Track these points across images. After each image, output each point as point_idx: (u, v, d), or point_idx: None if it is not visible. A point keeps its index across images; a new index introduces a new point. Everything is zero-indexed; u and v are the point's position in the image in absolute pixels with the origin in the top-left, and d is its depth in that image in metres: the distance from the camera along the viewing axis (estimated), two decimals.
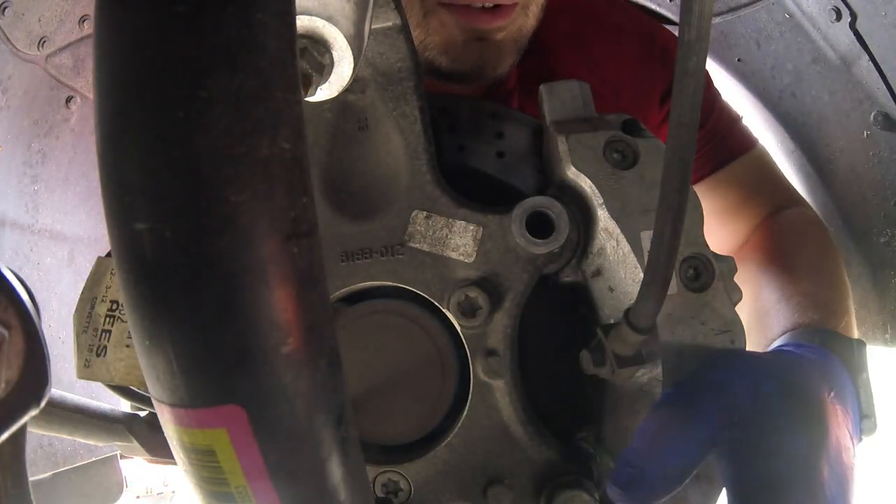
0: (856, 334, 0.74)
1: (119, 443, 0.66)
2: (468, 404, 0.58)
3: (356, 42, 0.45)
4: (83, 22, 1.08)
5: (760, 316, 0.78)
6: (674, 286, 0.53)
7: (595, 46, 1.00)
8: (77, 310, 0.58)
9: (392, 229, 0.58)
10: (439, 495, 0.59)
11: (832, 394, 0.54)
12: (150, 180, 0.29)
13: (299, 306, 0.31)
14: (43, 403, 0.38)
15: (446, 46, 0.83)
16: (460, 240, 0.57)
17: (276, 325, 0.30)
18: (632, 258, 0.54)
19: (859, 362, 0.63)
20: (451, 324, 0.57)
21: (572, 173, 0.55)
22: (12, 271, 0.39)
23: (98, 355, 0.58)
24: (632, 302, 0.47)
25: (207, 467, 0.32)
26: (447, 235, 0.57)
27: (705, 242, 0.54)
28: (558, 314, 0.62)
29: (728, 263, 0.59)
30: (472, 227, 0.57)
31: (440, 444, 0.58)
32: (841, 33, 0.93)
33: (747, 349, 0.55)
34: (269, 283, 0.30)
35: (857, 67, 0.95)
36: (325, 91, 0.47)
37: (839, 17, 0.92)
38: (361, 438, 0.38)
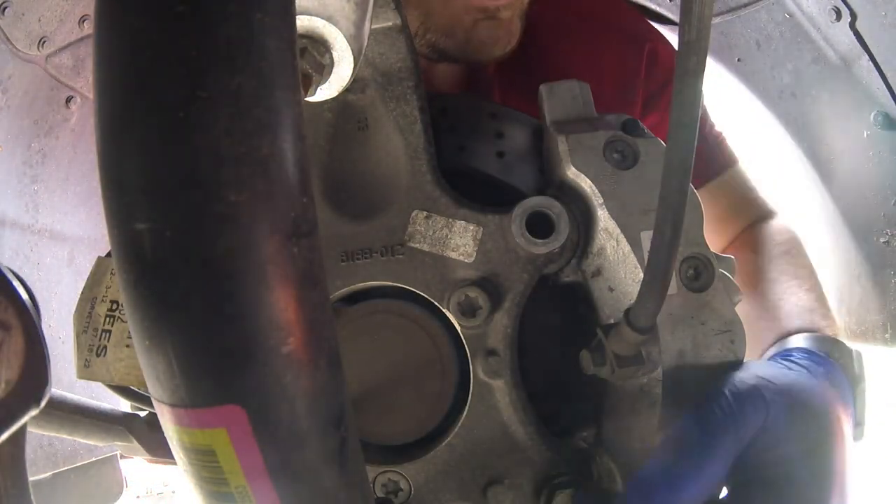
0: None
1: (119, 443, 0.66)
2: (468, 404, 0.57)
3: (356, 42, 0.45)
4: (83, 22, 1.08)
5: (751, 321, 0.79)
6: (674, 286, 0.53)
7: (577, 39, 0.99)
8: (77, 310, 0.58)
9: (392, 229, 0.58)
10: (439, 495, 0.59)
11: (842, 407, 0.55)
12: (150, 180, 0.29)
13: (299, 306, 0.31)
14: (43, 403, 0.38)
15: (451, 28, 0.82)
16: (460, 240, 0.57)
17: (276, 325, 0.30)
18: (632, 258, 0.54)
19: (860, 372, 0.64)
20: (451, 324, 0.57)
21: (572, 173, 0.55)
22: (12, 271, 0.39)
23: (98, 355, 0.58)
24: (632, 302, 0.47)
25: (207, 467, 0.32)
26: (447, 235, 0.57)
27: (705, 242, 0.54)
28: (558, 314, 0.62)
29: (728, 263, 0.59)
30: (472, 227, 0.57)
31: (440, 444, 0.58)
32: (841, 33, 0.93)
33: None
34: (269, 284, 0.30)
35: (857, 67, 0.95)
36: (325, 91, 0.47)
37: (839, 17, 0.92)
38: (361, 438, 0.38)
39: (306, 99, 0.45)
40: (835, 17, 0.92)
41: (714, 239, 1.04)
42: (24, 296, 0.38)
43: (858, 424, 0.61)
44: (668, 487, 0.49)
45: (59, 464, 1.16)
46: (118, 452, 1.29)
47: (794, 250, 0.93)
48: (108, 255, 0.58)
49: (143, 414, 0.66)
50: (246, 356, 0.30)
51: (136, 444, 0.65)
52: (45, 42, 1.05)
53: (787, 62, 1.06)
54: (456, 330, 0.57)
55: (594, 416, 0.60)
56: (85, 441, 0.65)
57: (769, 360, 0.63)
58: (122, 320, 0.58)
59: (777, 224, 1.02)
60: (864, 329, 1.09)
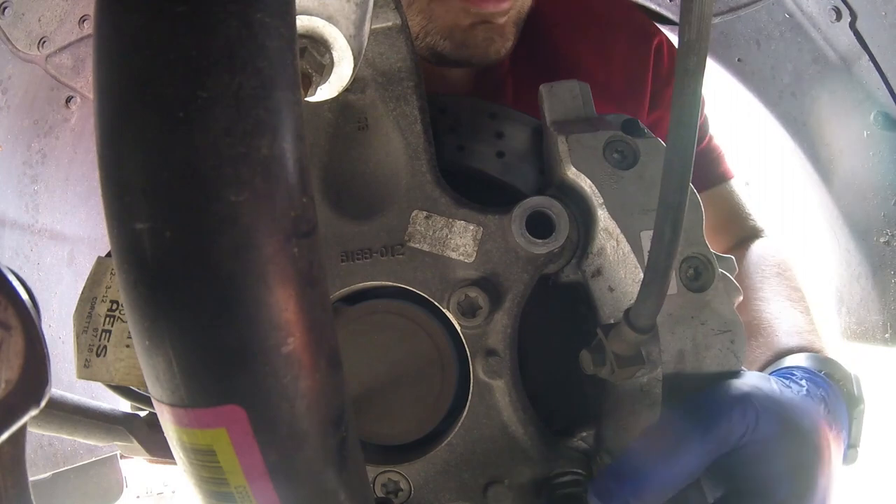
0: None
1: (119, 443, 0.66)
2: (468, 404, 0.57)
3: (356, 42, 0.45)
4: (83, 22, 1.08)
5: (748, 336, 0.79)
6: (674, 286, 0.53)
7: (587, 36, 1.01)
8: (77, 310, 0.58)
9: (392, 229, 0.58)
10: (439, 495, 0.59)
11: (832, 431, 0.55)
12: (150, 180, 0.29)
13: (299, 306, 0.31)
14: (43, 403, 0.38)
15: (450, 31, 0.85)
16: (460, 240, 0.57)
17: (276, 325, 0.30)
18: (632, 258, 0.54)
19: (859, 395, 0.64)
20: (451, 324, 0.57)
21: (572, 173, 0.55)
22: (12, 271, 0.39)
23: (98, 355, 0.58)
24: (632, 302, 0.47)
25: (207, 467, 0.32)
26: (447, 235, 0.57)
27: (705, 242, 0.54)
28: (558, 314, 0.62)
29: (728, 263, 0.59)
30: (472, 227, 0.57)
31: (440, 444, 0.58)
32: (841, 33, 0.93)
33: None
34: (269, 284, 0.30)
35: (857, 67, 0.95)
36: (325, 91, 0.47)
37: (839, 17, 0.92)
38: (361, 438, 0.38)
39: (306, 99, 0.45)
40: (835, 17, 0.92)
41: None
42: (24, 296, 0.38)
43: (852, 447, 0.62)
44: (634, 478, 0.50)
45: (59, 464, 1.16)
46: (118, 452, 1.29)
47: (788, 272, 0.94)
48: (108, 255, 0.58)
49: (143, 414, 0.66)
50: (246, 356, 0.30)
51: (136, 444, 0.65)
52: (45, 42, 1.05)
53: (787, 62, 1.06)
54: (456, 330, 0.57)
55: (594, 416, 0.60)
56: (85, 441, 0.65)
57: (770, 374, 0.63)
58: (122, 320, 0.58)
59: (769, 242, 1.04)
60: (864, 329, 1.09)
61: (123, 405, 0.65)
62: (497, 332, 0.56)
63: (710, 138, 1.10)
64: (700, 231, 0.54)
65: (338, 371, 0.34)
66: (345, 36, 0.44)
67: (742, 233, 1.07)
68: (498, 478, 0.58)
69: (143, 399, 0.62)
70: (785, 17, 1.01)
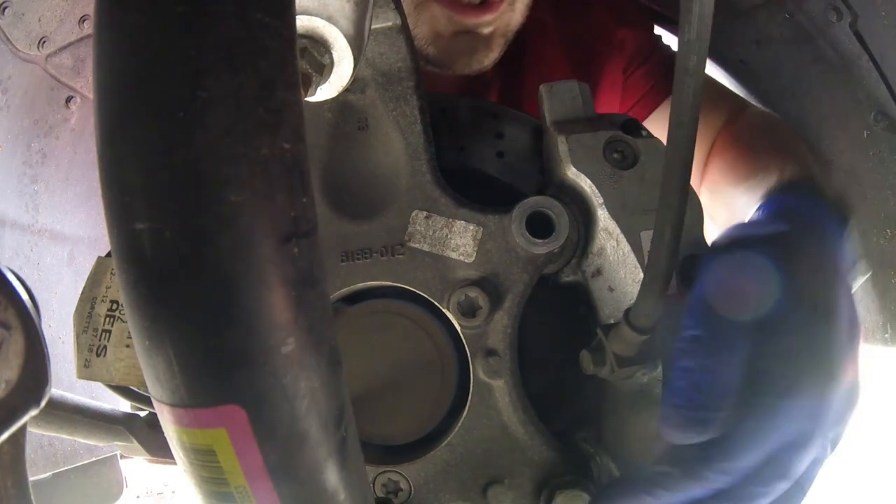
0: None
1: (119, 443, 0.66)
2: (468, 404, 0.57)
3: (356, 42, 0.45)
4: (83, 22, 1.08)
5: (741, 194, 0.79)
6: (674, 286, 0.53)
7: (555, 39, 1.03)
8: (77, 310, 0.58)
9: (392, 229, 0.58)
10: (439, 495, 0.59)
11: (809, 258, 0.53)
12: (150, 180, 0.29)
13: (299, 306, 0.31)
14: (43, 403, 0.38)
15: (434, 38, 0.86)
16: (460, 240, 0.57)
17: (276, 325, 0.30)
18: (632, 258, 0.54)
19: (846, 208, 0.63)
20: (451, 324, 0.57)
21: (572, 173, 0.55)
22: (12, 271, 0.39)
23: (98, 355, 0.58)
24: (632, 302, 0.47)
25: (207, 467, 0.32)
26: (447, 235, 0.57)
27: (706, 242, 0.54)
28: (558, 314, 0.62)
29: None
30: (472, 227, 0.57)
31: (440, 444, 0.58)
32: (841, 33, 0.93)
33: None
34: (269, 284, 0.30)
35: (857, 67, 0.95)
36: (325, 91, 0.47)
37: (839, 17, 0.92)
38: (361, 438, 0.38)
39: (306, 99, 0.45)
40: (835, 17, 0.92)
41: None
42: (24, 296, 0.38)
43: (855, 261, 0.61)
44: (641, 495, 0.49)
45: (59, 464, 1.16)
46: (118, 452, 1.29)
47: (781, 127, 0.94)
48: (108, 255, 0.59)
49: (143, 414, 0.66)
50: (246, 356, 0.30)
51: (136, 444, 0.65)
52: (45, 42, 1.05)
53: (787, 62, 1.06)
54: (456, 330, 0.57)
55: (594, 416, 0.60)
56: (85, 441, 0.65)
57: (758, 211, 0.62)
58: (122, 320, 0.58)
59: (755, 110, 1.03)
60: (864, 329, 1.09)
61: (123, 405, 0.65)
62: (497, 332, 0.56)
63: (664, 47, 1.08)
64: (700, 231, 0.54)
65: (338, 371, 0.34)
66: (345, 36, 0.44)
67: (729, 108, 1.05)
68: (498, 478, 0.58)
69: (143, 399, 0.62)
70: (785, 17, 1.01)
